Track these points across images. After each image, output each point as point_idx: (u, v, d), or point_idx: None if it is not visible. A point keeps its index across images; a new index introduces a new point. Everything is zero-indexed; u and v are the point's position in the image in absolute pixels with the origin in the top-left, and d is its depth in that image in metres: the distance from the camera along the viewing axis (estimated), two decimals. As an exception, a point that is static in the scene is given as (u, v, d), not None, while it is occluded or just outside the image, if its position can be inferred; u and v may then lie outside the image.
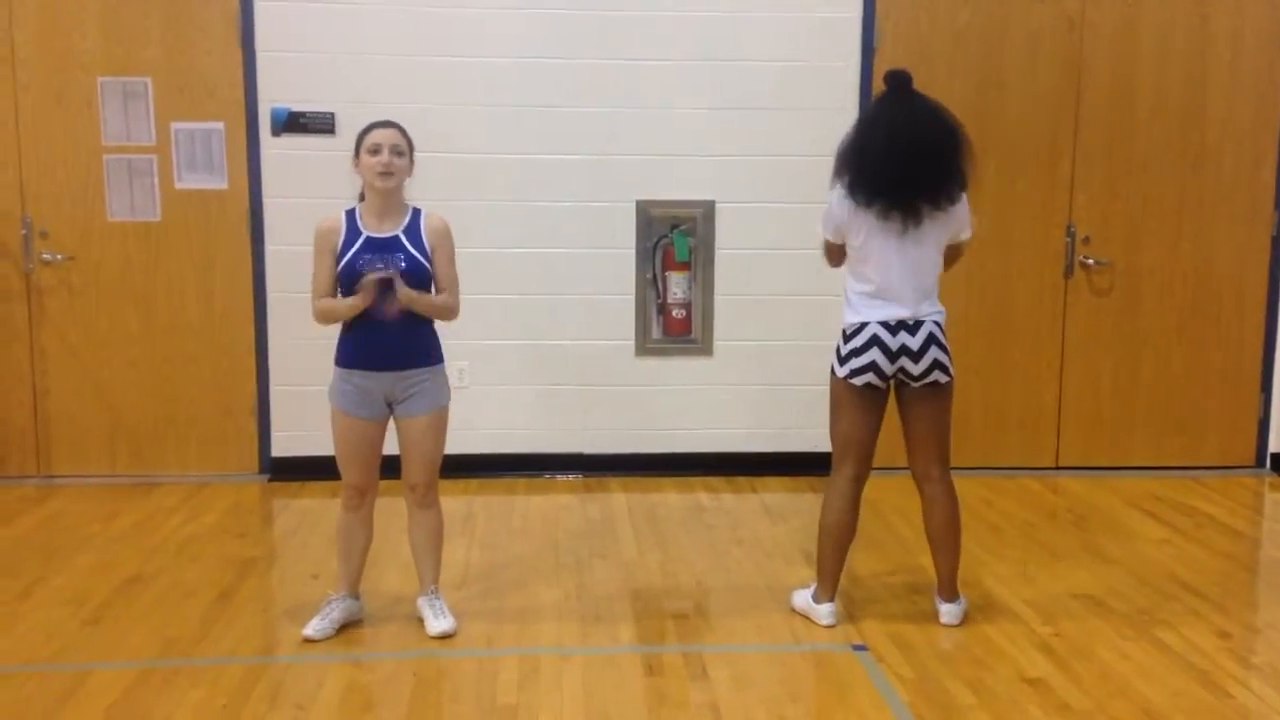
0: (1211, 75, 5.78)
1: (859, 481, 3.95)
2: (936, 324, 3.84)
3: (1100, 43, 5.74)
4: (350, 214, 3.76)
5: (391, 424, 3.86)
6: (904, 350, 3.79)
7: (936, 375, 3.84)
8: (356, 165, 3.74)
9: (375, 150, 3.69)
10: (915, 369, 3.81)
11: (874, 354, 3.80)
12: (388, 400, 3.81)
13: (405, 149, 3.76)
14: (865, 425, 3.91)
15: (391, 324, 3.71)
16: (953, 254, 3.95)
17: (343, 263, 3.69)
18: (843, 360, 3.87)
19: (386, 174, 3.68)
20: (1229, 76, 5.78)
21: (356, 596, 3.98)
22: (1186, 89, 5.78)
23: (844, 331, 3.89)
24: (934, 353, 3.81)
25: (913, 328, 3.80)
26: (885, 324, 3.79)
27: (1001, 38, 5.71)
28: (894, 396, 3.94)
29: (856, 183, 3.73)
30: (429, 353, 3.82)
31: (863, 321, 3.82)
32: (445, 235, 3.83)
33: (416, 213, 3.81)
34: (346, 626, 3.91)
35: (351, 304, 3.68)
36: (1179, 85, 5.78)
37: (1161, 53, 5.75)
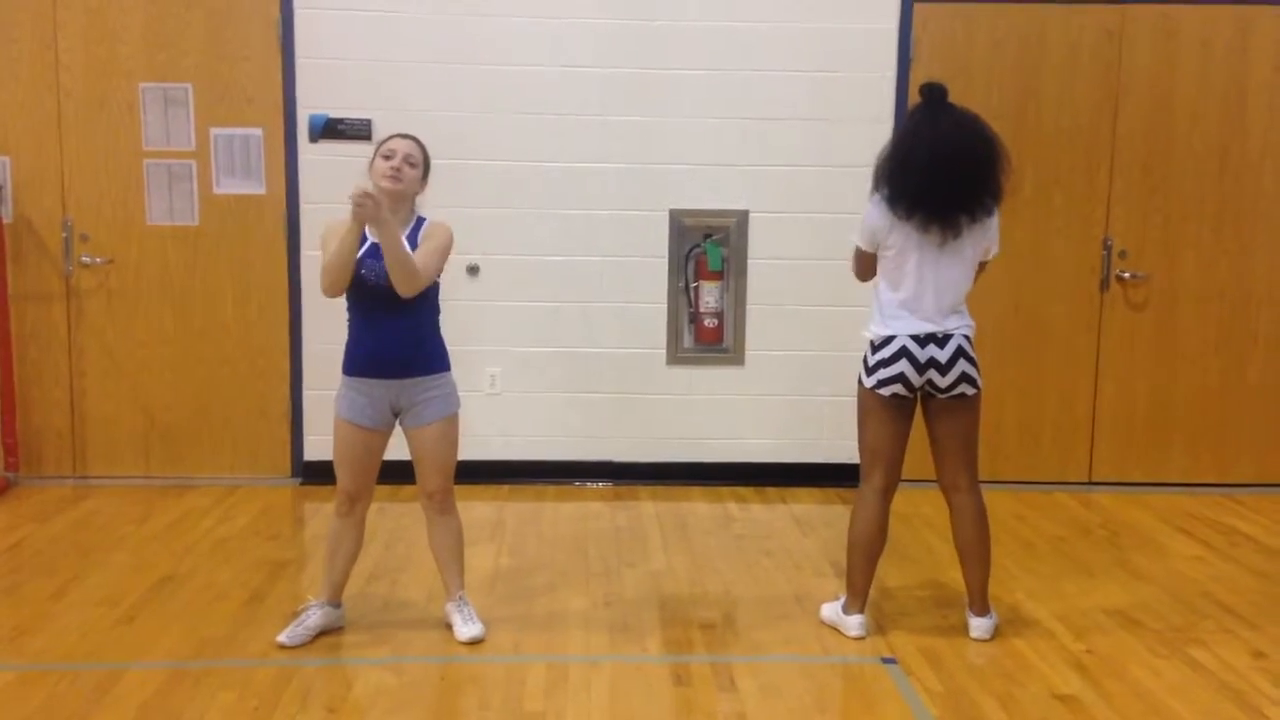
0: (1252, 88, 5.72)
1: (888, 493, 3.93)
2: (966, 337, 3.82)
3: (1139, 54, 5.70)
4: None
5: (401, 433, 3.87)
6: (932, 363, 3.78)
7: (964, 388, 3.82)
8: (370, 170, 3.75)
9: (389, 155, 3.70)
10: (943, 381, 3.80)
11: (902, 365, 3.78)
12: (394, 409, 3.81)
13: (419, 161, 3.75)
14: (893, 436, 3.90)
15: (397, 332, 3.73)
16: (978, 271, 3.95)
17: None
18: (870, 371, 3.86)
19: (394, 179, 3.67)
20: (1270, 89, 5.72)
21: (338, 604, 3.97)
22: (1226, 101, 5.73)
23: (872, 342, 3.88)
24: (962, 365, 3.80)
25: (941, 340, 3.78)
26: (914, 336, 3.78)
27: (1039, 49, 5.69)
28: (921, 408, 3.92)
29: (897, 195, 3.72)
30: (435, 360, 3.81)
31: (891, 334, 3.81)
32: (436, 232, 3.76)
33: (421, 220, 3.80)
34: (328, 633, 3.91)
35: (348, 227, 3.56)
36: (1218, 98, 5.73)
37: (1201, 65, 5.71)
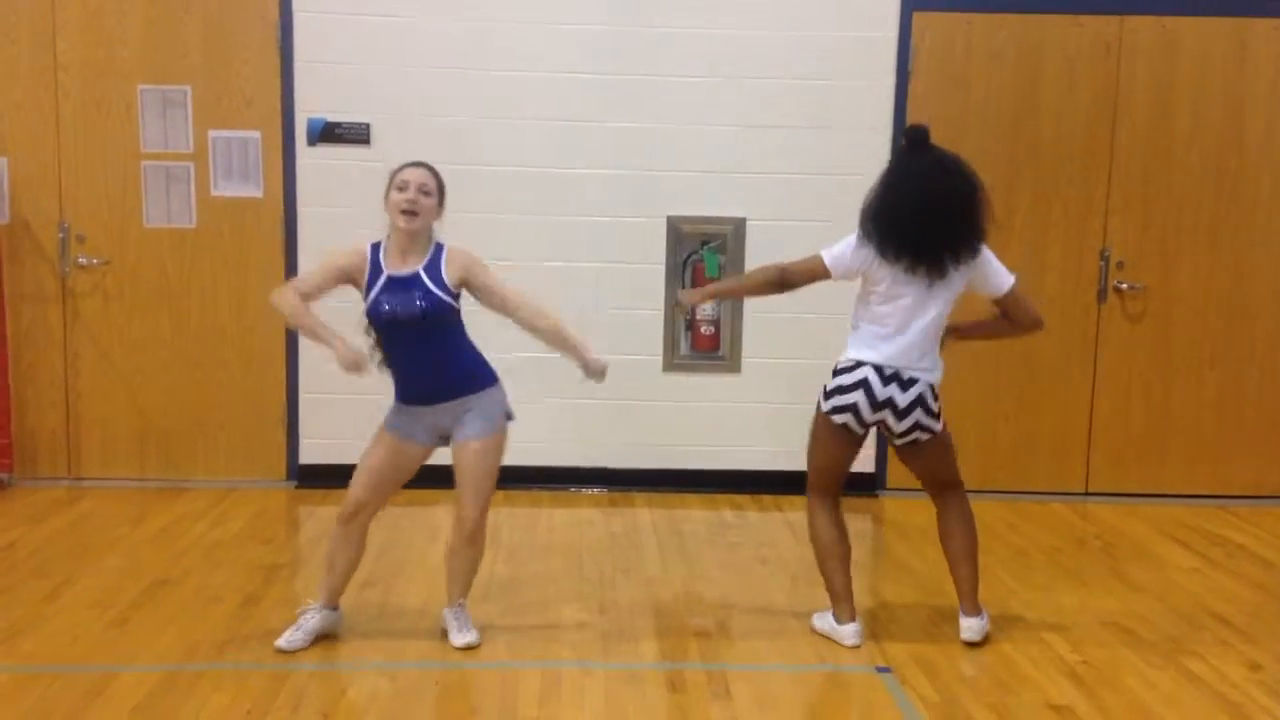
0: (1249, 100, 5.73)
1: (836, 498, 4.02)
2: (930, 385, 3.81)
3: (1137, 66, 5.71)
4: (375, 248, 3.74)
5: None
6: (890, 403, 3.79)
7: (917, 434, 3.85)
8: (387, 204, 3.72)
9: (403, 187, 3.68)
10: (897, 426, 3.83)
11: (857, 396, 3.80)
12: (441, 433, 3.80)
13: (433, 190, 3.72)
14: (841, 460, 3.97)
15: (423, 360, 3.72)
16: (1013, 305, 3.87)
17: (368, 301, 3.70)
18: (828, 395, 3.88)
19: (410, 213, 3.65)
20: (1267, 102, 5.74)
21: (335, 608, 3.95)
22: (1224, 114, 5.74)
23: (836, 366, 3.88)
24: (918, 415, 3.81)
25: (905, 383, 3.78)
26: (879, 370, 3.78)
27: (1038, 60, 5.70)
28: (887, 439, 3.97)
29: (886, 239, 3.73)
30: (475, 378, 3.79)
31: (859, 360, 3.81)
32: (474, 264, 3.75)
33: (439, 249, 3.76)
34: (327, 637, 3.89)
35: (323, 339, 3.64)
36: (1216, 110, 5.74)
37: (1199, 77, 5.72)
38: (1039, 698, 3.59)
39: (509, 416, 3.86)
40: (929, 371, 3.81)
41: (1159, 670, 3.82)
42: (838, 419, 3.84)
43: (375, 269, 3.70)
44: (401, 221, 3.67)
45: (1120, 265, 5.83)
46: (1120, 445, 5.94)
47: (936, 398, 3.84)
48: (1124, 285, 5.83)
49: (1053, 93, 5.72)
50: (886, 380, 3.78)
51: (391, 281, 3.67)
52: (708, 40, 5.65)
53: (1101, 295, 5.85)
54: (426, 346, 3.71)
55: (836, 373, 3.86)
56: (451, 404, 3.75)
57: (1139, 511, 5.70)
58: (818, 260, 3.89)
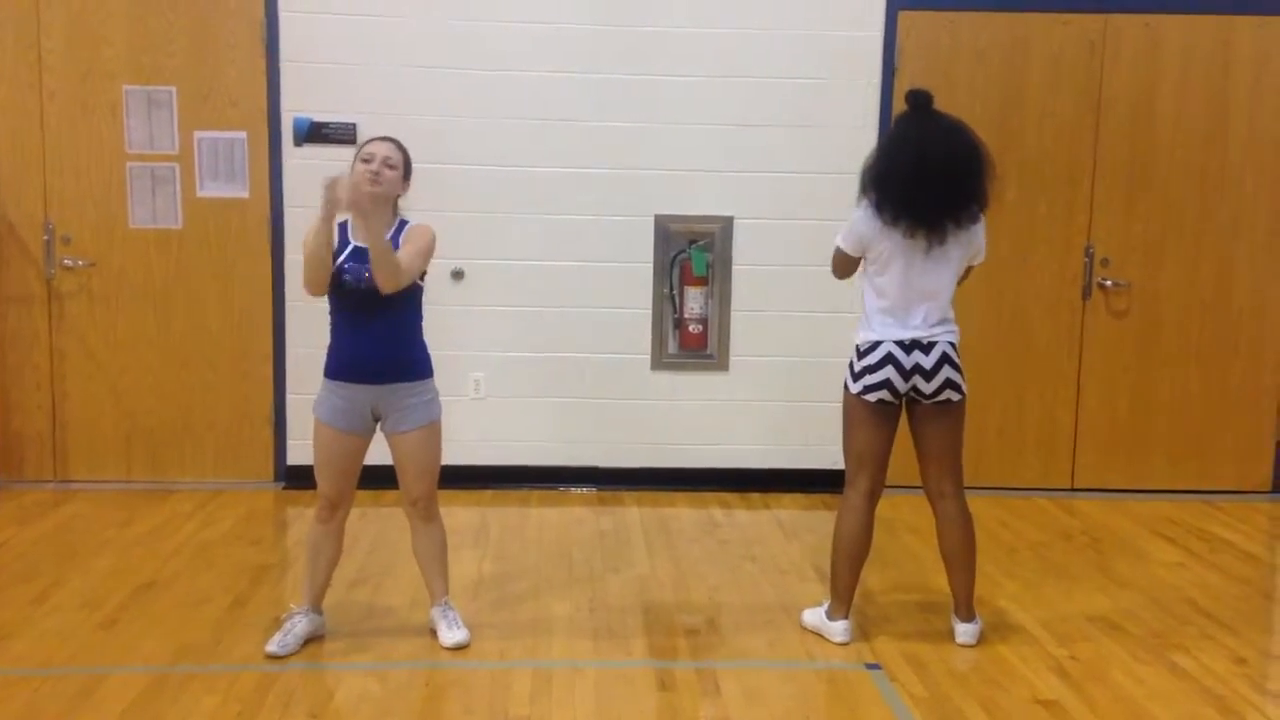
0: (1233, 97, 5.77)
1: (873, 497, 3.95)
2: (950, 344, 3.85)
3: (1121, 64, 5.74)
4: (343, 225, 3.76)
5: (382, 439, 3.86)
6: (917, 369, 3.80)
7: (949, 394, 3.84)
8: (351, 175, 3.71)
9: (368, 159, 3.70)
10: (927, 387, 3.82)
11: (888, 371, 3.80)
12: (374, 415, 3.80)
13: (399, 163, 3.74)
14: (879, 440, 3.91)
15: (378, 336, 3.71)
16: (962, 277, 3.98)
17: (332, 270, 3.70)
18: (856, 377, 3.88)
19: (374, 182, 3.66)
20: (1250, 99, 5.77)
21: (319, 611, 3.95)
22: (1207, 111, 5.77)
23: (858, 348, 3.89)
24: (946, 371, 3.82)
25: (926, 347, 3.81)
26: (900, 342, 3.80)
27: (1023, 59, 5.72)
28: (906, 414, 3.94)
29: (883, 201, 3.74)
30: (416, 367, 3.80)
31: (878, 339, 3.83)
32: (418, 234, 3.74)
33: (403, 224, 3.78)
34: (310, 639, 3.88)
35: (318, 219, 3.55)
36: (1200, 107, 5.77)
37: (1183, 75, 5.75)
38: (1027, 693, 3.61)
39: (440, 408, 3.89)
40: (945, 334, 3.84)
41: (1145, 665, 3.84)
42: (871, 397, 3.84)
43: (342, 240, 3.72)
44: (365, 188, 3.64)
45: (1105, 262, 5.86)
46: (1106, 441, 5.97)
47: (959, 355, 3.87)
48: (1108, 282, 5.86)
49: (1038, 90, 5.74)
50: (909, 349, 3.80)
51: (356, 251, 3.68)
52: (694, 40, 5.66)
53: (1086, 292, 5.88)
54: (380, 321, 3.71)
55: (860, 354, 3.87)
56: (390, 388, 3.74)
57: (1124, 507, 5.74)
58: (836, 251, 3.93)
